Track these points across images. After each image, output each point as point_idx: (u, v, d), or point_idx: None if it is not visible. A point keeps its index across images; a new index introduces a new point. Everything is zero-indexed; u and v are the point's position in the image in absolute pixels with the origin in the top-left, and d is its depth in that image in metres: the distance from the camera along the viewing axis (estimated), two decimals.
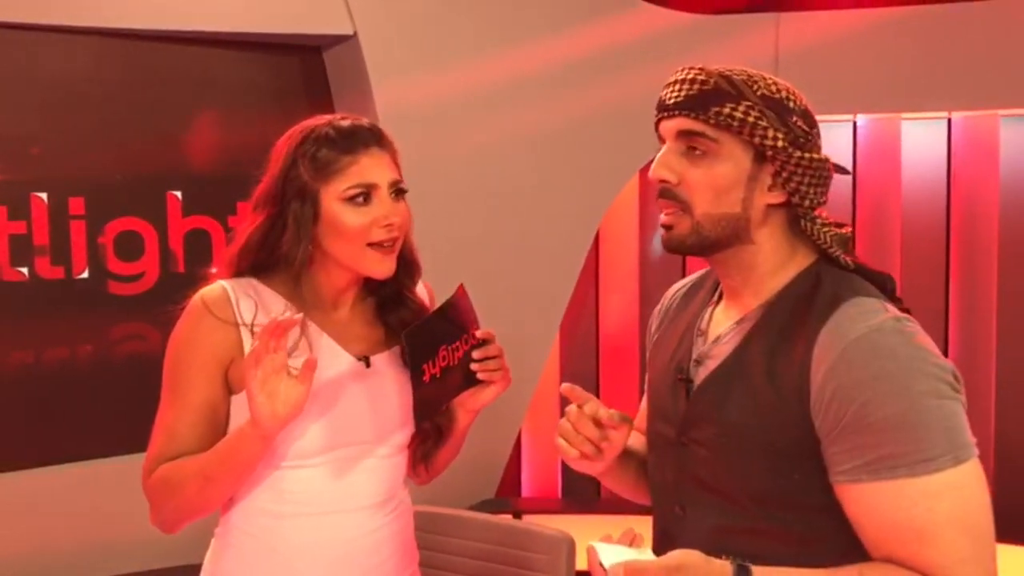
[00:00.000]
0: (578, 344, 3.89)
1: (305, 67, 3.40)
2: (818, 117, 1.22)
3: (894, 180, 3.68)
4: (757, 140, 1.16)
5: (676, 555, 1.09)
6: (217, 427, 1.41)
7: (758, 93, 1.17)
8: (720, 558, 1.11)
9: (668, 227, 1.21)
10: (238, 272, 1.45)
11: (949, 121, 3.62)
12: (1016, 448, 3.60)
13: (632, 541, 1.18)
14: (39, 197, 2.98)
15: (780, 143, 1.16)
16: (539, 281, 3.57)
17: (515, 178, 3.48)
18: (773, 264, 1.21)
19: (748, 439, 1.17)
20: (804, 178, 1.17)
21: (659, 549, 1.24)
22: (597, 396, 4.12)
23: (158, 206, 3.16)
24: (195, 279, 1.51)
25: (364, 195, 1.39)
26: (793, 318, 1.17)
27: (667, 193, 1.20)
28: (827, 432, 1.12)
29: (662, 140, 1.22)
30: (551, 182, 3.51)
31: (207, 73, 3.27)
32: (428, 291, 1.59)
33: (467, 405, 1.50)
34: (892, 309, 1.15)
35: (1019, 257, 3.59)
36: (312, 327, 1.43)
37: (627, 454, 1.35)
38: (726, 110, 1.15)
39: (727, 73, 1.18)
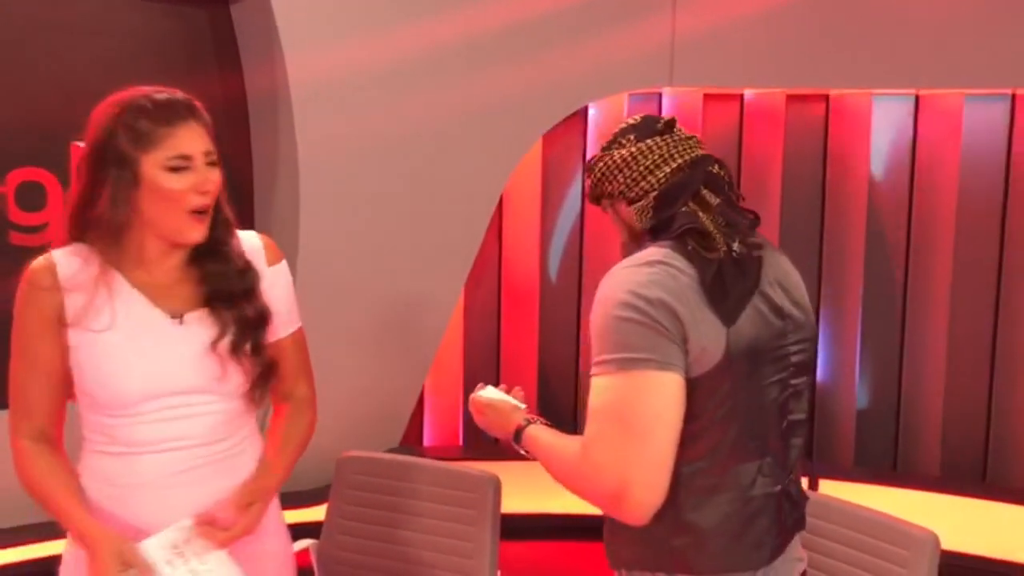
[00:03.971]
0: (481, 302, 4.04)
1: (212, 20, 3.37)
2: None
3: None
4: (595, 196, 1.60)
5: (504, 399, 1.63)
6: (63, 379, 1.57)
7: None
8: None
9: None
10: (73, 239, 1.58)
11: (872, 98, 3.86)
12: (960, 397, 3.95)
13: (522, 400, 1.67)
14: None
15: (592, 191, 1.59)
16: (446, 241, 3.70)
17: (424, 142, 3.57)
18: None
19: None
20: (605, 184, 1.55)
21: None
22: (498, 353, 4.24)
23: (61, 156, 3.12)
24: None
25: (182, 166, 1.53)
26: None
27: None
28: None
29: None
30: (459, 145, 3.62)
31: (113, 22, 3.23)
32: (266, 243, 1.70)
33: None
34: (660, 258, 1.42)
35: (886, 223, 3.89)
36: (125, 285, 1.56)
37: None
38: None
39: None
